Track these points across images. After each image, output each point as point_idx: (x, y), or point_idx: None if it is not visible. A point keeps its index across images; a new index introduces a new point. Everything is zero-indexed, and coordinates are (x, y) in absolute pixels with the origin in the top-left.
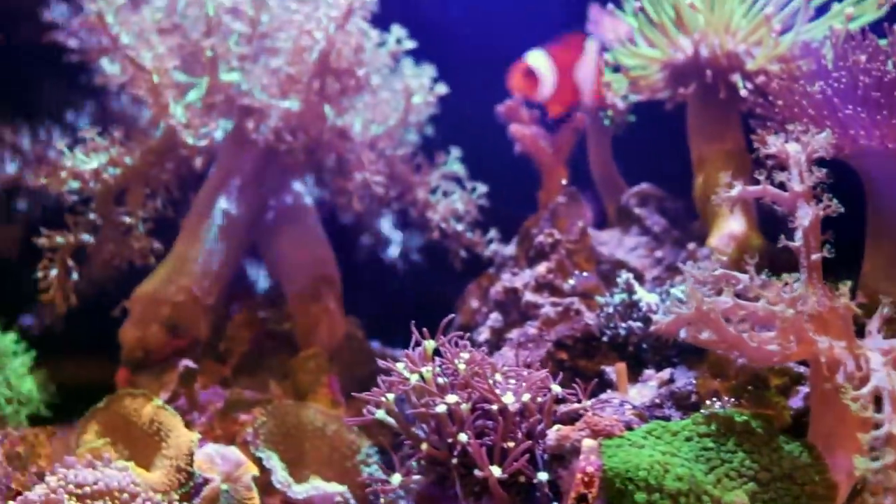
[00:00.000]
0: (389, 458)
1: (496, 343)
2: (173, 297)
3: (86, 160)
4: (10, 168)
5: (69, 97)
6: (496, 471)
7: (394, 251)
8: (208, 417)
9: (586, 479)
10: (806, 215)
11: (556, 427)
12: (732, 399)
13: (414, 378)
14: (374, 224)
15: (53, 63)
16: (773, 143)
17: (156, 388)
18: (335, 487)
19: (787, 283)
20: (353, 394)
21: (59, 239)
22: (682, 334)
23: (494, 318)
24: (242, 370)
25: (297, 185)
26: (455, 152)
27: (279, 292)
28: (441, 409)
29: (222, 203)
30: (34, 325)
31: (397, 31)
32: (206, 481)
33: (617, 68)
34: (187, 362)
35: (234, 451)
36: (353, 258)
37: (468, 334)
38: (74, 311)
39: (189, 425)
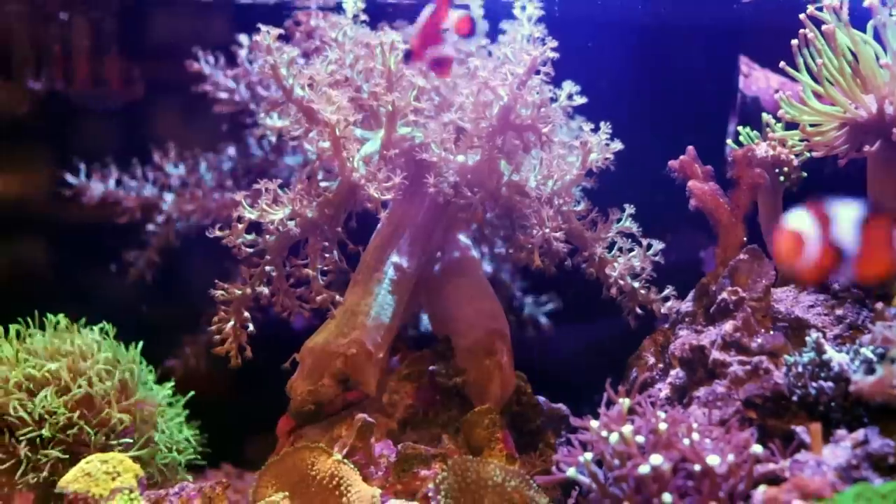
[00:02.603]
0: None
1: (678, 400)
2: (345, 350)
3: (272, 212)
4: (150, 190)
5: (213, 144)
6: None
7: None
8: (384, 472)
9: None
10: None
11: (761, 488)
12: None
13: (613, 437)
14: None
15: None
16: None
17: (325, 441)
18: None
19: None
20: (554, 455)
21: (236, 291)
22: None
23: (676, 374)
24: (408, 424)
25: (464, 239)
26: (629, 209)
27: (447, 346)
28: (645, 469)
29: (394, 257)
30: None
31: (569, 86)
32: None
33: (791, 125)
34: (365, 416)
35: None
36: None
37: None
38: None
39: (367, 479)
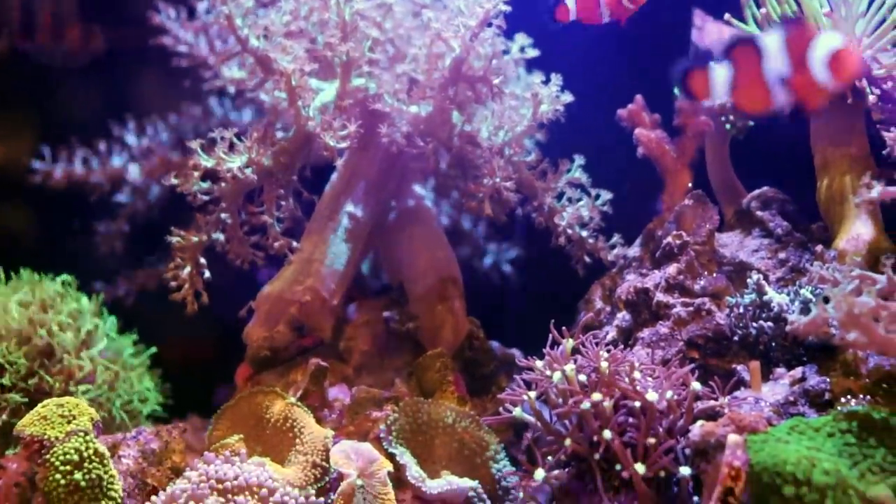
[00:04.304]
0: (515, 455)
1: (623, 342)
2: (300, 298)
3: (228, 159)
4: (117, 162)
5: (171, 100)
6: (640, 468)
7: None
8: (338, 414)
9: (733, 472)
10: None
11: (699, 423)
12: (867, 397)
13: (556, 376)
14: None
15: (159, 66)
16: None
17: (281, 386)
18: (468, 483)
19: None
20: (499, 395)
21: (192, 238)
22: None
23: (622, 317)
24: (363, 368)
25: (419, 189)
26: (578, 160)
27: (401, 293)
28: (586, 406)
29: (348, 206)
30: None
31: (522, 38)
32: (342, 477)
33: None
34: (318, 361)
35: (368, 448)
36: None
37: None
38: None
39: (321, 422)
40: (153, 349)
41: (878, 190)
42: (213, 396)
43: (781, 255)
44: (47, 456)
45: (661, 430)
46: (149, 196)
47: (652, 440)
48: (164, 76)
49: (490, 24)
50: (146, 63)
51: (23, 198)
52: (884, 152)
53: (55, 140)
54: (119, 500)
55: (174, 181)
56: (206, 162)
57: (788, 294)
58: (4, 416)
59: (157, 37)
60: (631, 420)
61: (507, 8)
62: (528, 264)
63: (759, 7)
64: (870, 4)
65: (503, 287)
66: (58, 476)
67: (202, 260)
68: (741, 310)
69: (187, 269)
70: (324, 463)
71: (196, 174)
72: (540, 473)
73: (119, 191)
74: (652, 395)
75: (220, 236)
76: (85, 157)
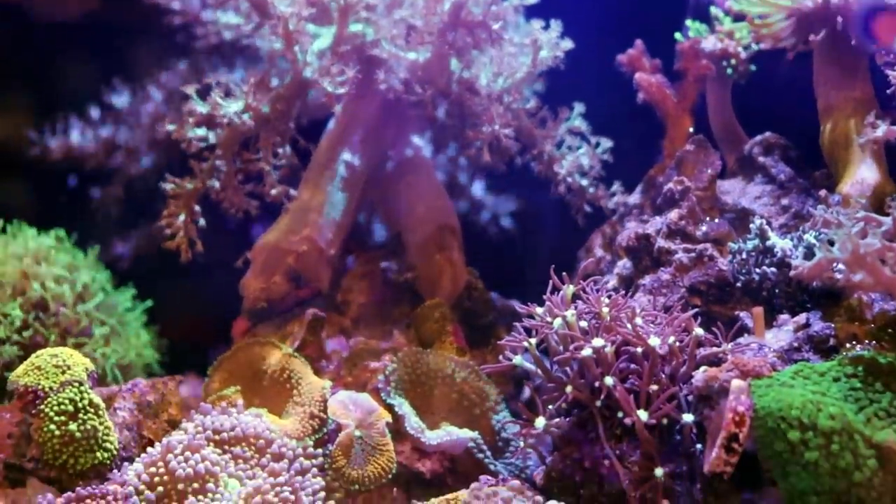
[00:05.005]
0: (515, 406)
1: (625, 289)
2: (296, 247)
3: (224, 104)
4: (105, 131)
5: (163, 58)
6: (643, 415)
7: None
8: (336, 366)
9: (737, 418)
10: None
11: (702, 368)
12: (872, 342)
13: (557, 322)
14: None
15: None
16: None
17: (277, 339)
18: (467, 433)
19: None
20: (498, 343)
21: (188, 185)
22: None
23: (623, 264)
24: (361, 320)
25: (416, 138)
26: (578, 108)
27: (398, 243)
28: (587, 352)
29: (345, 155)
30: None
31: None
32: (340, 428)
33: (739, 17)
34: (315, 311)
35: (366, 398)
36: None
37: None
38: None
39: (318, 373)
40: (149, 302)
41: (883, 129)
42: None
43: (784, 202)
44: (41, 406)
45: (663, 376)
46: (142, 159)
47: (654, 387)
48: (156, 36)
49: None
50: (139, 23)
51: (20, 161)
52: (888, 91)
53: (50, 103)
54: (115, 452)
55: (169, 127)
56: (202, 108)
57: (792, 239)
58: None
59: None
60: (633, 366)
61: None
62: (526, 214)
63: None
64: None
65: (502, 238)
66: (52, 426)
67: (197, 207)
68: (744, 255)
69: (182, 217)
70: (321, 414)
71: (191, 120)
72: (540, 422)
73: (112, 156)
74: (654, 341)
75: (216, 184)
76: (79, 128)
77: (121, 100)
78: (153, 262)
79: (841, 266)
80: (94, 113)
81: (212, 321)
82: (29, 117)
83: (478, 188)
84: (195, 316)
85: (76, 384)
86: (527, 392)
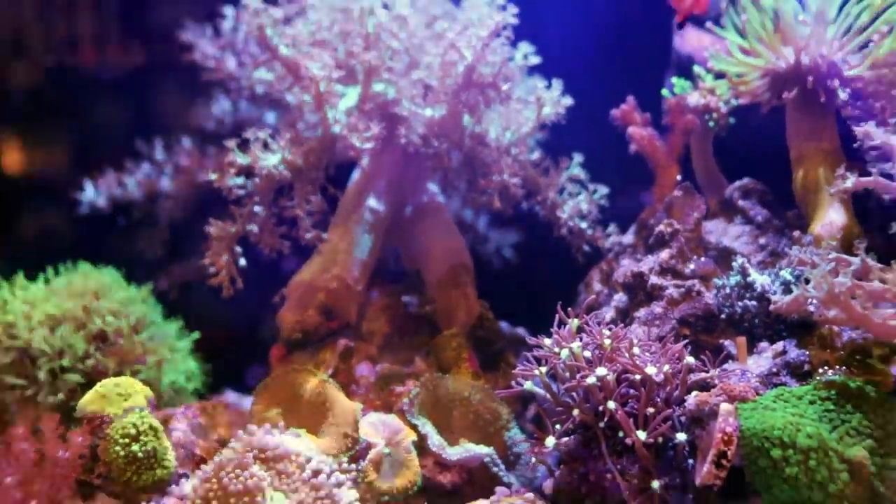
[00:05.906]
0: (522, 424)
1: (621, 321)
2: (328, 285)
3: (263, 157)
4: (144, 175)
5: (199, 112)
6: (641, 434)
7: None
8: (365, 390)
9: (726, 437)
10: None
11: (693, 393)
12: (843, 367)
13: (564, 353)
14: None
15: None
16: (878, 136)
17: (312, 365)
18: (483, 449)
19: None
20: (514, 370)
21: (230, 228)
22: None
23: (619, 298)
24: (385, 348)
25: (432, 186)
26: (577, 158)
27: (418, 279)
28: (592, 380)
29: (370, 201)
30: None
31: (525, 47)
32: (370, 446)
33: (720, 75)
34: (346, 341)
35: (394, 419)
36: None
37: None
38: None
39: (349, 396)
40: (196, 334)
41: (852, 181)
42: (245, 373)
43: (762, 241)
44: (108, 430)
45: (659, 400)
46: (182, 203)
47: (651, 409)
48: (191, 90)
49: (499, 35)
50: (174, 78)
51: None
52: (854, 145)
53: (92, 151)
54: (172, 469)
55: (211, 176)
56: (243, 160)
57: (769, 275)
58: (62, 395)
59: (186, 53)
60: (632, 392)
61: (516, 21)
62: (532, 252)
63: (736, 12)
64: (839, 12)
65: (510, 273)
66: (117, 448)
67: (238, 248)
68: (727, 290)
69: (224, 257)
70: (354, 433)
71: (232, 170)
72: (551, 441)
73: (155, 202)
74: (651, 369)
75: (254, 227)
76: (122, 178)
77: (159, 152)
78: (195, 294)
79: (816, 302)
80: (134, 166)
81: (246, 344)
82: (73, 163)
83: (488, 229)
84: (231, 339)
85: (137, 410)
86: (532, 411)
